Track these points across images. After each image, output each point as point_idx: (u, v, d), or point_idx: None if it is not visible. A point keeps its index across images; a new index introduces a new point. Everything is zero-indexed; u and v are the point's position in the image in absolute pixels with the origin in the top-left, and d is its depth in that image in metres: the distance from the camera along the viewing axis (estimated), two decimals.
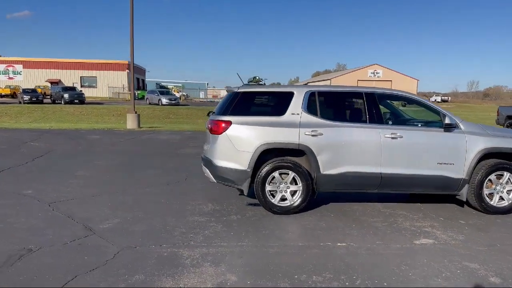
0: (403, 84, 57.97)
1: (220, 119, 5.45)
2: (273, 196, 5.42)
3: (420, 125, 5.73)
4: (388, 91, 5.90)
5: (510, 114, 18.73)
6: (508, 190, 5.60)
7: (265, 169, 5.33)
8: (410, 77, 66.59)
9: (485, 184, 5.53)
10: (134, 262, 3.79)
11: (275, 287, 3.38)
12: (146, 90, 50.57)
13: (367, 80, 62.40)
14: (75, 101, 35.65)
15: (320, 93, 5.58)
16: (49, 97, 40.70)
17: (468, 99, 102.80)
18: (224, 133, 5.38)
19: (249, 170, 5.32)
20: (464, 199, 5.61)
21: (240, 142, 5.34)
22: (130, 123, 18.65)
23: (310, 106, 5.49)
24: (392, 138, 5.39)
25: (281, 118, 5.41)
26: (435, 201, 6.19)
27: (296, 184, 5.40)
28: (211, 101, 54.26)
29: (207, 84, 79.72)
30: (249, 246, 4.26)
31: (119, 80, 57.72)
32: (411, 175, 5.44)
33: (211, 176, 5.61)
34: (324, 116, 5.46)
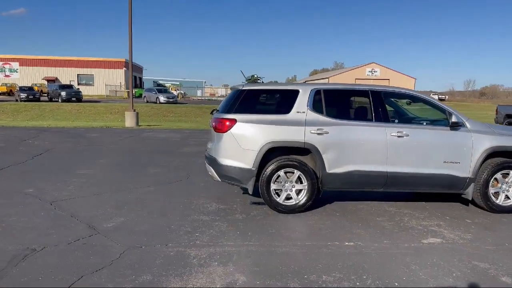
0: (400, 83, 58.00)
1: (224, 117, 5.39)
2: (278, 195, 5.37)
3: (425, 124, 5.70)
4: (394, 89, 5.86)
5: (509, 113, 18.76)
6: None
7: (270, 167, 5.28)
8: (408, 76, 66.68)
9: (490, 182, 5.51)
10: (141, 262, 3.73)
11: (285, 287, 3.34)
12: (144, 88, 50.35)
13: (364, 79, 62.38)
14: (72, 99, 35.49)
15: (326, 91, 5.53)
16: (46, 95, 40.47)
17: (465, 98, 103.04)
18: (229, 131, 5.32)
19: (254, 168, 5.27)
20: (470, 198, 5.58)
21: (245, 140, 5.28)
22: (129, 121, 18.54)
23: (316, 104, 5.44)
24: (398, 136, 5.35)
25: (286, 116, 5.36)
26: (439, 200, 6.16)
27: (302, 183, 5.35)
28: (209, 100, 54.09)
29: (205, 82, 79.47)
30: (256, 246, 4.20)
31: (116, 78, 57.47)
32: (417, 174, 5.40)
33: (216, 175, 5.55)
34: (329, 114, 5.41)
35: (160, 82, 66.89)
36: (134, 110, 19.11)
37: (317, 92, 5.48)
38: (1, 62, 57.06)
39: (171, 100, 37.99)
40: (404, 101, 7.34)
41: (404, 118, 6.01)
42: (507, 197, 5.60)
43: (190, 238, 4.40)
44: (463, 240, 4.52)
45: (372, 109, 5.46)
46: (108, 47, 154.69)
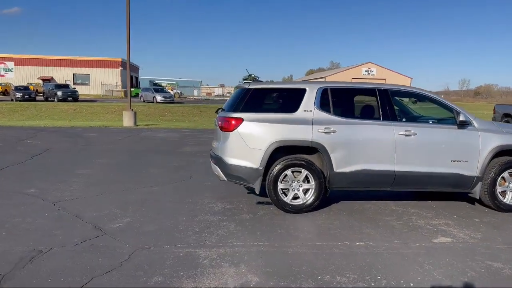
0: (396, 82, 58.10)
1: (231, 116, 5.33)
2: (285, 195, 5.32)
3: (431, 122, 5.67)
4: (402, 87, 5.82)
5: (506, 112, 18.80)
6: None
7: (277, 167, 5.23)
8: (404, 76, 66.84)
9: (498, 181, 5.48)
10: (151, 263, 3.66)
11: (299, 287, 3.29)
12: (140, 88, 50.11)
13: (361, 78, 62.43)
14: (69, 98, 35.22)
15: (333, 90, 5.48)
16: (41, 94, 40.19)
17: (459, 98, 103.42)
18: (235, 130, 5.26)
19: (261, 168, 5.21)
20: (477, 197, 5.55)
21: (252, 139, 5.22)
22: (127, 120, 18.41)
23: (323, 103, 5.39)
24: (406, 135, 5.31)
25: (293, 115, 5.31)
26: (445, 199, 6.13)
27: (309, 182, 5.30)
28: (205, 99, 53.98)
29: (201, 82, 79.29)
30: (266, 246, 4.15)
31: (113, 78, 57.16)
32: (424, 173, 5.37)
33: (222, 174, 5.49)
34: (337, 113, 5.36)
35: (157, 81, 66.66)
36: (132, 110, 18.99)
37: (324, 91, 5.43)
38: None
39: (168, 99, 37.85)
40: (407, 100, 7.32)
41: (410, 117, 5.98)
42: None
43: (199, 238, 4.34)
44: (474, 240, 4.49)
45: (380, 108, 5.42)
46: (104, 46, 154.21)
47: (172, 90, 53.76)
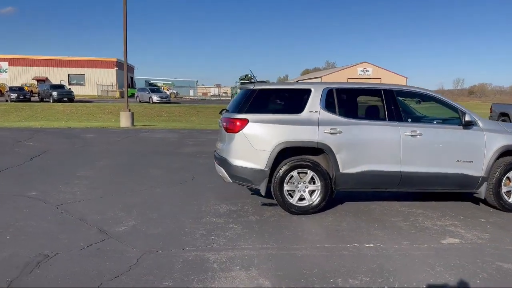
0: (392, 82, 58.29)
1: (236, 117, 5.28)
2: (291, 196, 5.29)
3: (435, 122, 5.66)
4: (406, 88, 5.81)
5: (503, 111, 18.89)
6: None
7: (283, 168, 5.19)
8: (399, 75, 67.02)
9: (503, 182, 5.48)
10: (160, 268, 3.61)
11: None
12: (136, 88, 49.89)
13: (356, 78, 62.53)
14: (64, 99, 35.05)
15: (338, 90, 5.45)
16: (36, 95, 39.92)
17: (454, 97, 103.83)
18: (240, 131, 5.22)
19: (266, 169, 5.17)
20: (483, 197, 5.55)
21: (257, 140, 5.18)
22: (124, 121, 18.30)
23: (328, 103, 5.36)
24: (412, 135, 5.29)
25: (299, 116, 5.27)
26: (449, 199, 6.12)
27: (315, 183, 5.27)
28: (202, 99, 53.86)
29: (197, 81, 79.09)
30: (275, 249, 4.11)
31: (108, 78, 56.89)
32: (430, 173, 5.35)
33: (227, 175, 5.44)
34: (342, 113, 5.34)
35: (152, 81, 66.35)
36: (129, 110, 18.88)
37: (329, 91, 5.40)
38: None
39: (164, 99, 37.73)
40: (410, 100, 7.31)
41: (415, 117, 5.96)
42: None
43: (206, 241, 4.29)
44: (482, 240, 4.48)
45: (385, 108, 5.40)
46: (98, 46, 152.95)
47: (167, 90, 53.58)
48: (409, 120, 5.53)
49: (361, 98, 5.72)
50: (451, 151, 5.38)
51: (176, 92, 57.69)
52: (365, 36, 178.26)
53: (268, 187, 5.28)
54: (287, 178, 5.23)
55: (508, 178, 5.52)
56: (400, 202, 5.98)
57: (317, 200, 5.25)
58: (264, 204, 5.72)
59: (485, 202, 5.75)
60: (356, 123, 5.28)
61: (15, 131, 15.54)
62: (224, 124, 5.45)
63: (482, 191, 5.50)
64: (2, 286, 3.21)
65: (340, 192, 5.95)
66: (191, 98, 55.97)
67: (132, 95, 44.77)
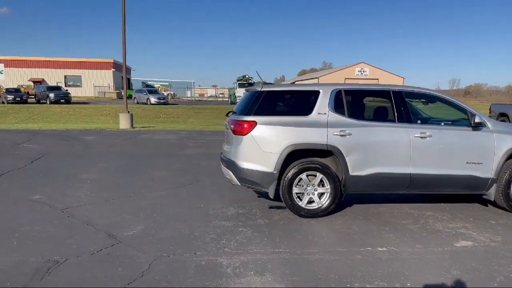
0: (389, 82, 58.38)
1: (244, 119, 5.22)
2: (300, 199, 5.23)
3: (443, 124, 5.62)
4: (416, 89, 5.77)
5: (502, 111, 18.94)
6: None
7: (292, 171, 5.14)
8: (396, 75, 67.09)
9: None
10: (173, 273, 3.54)
11: None
12: (133, 89, 49.68)
13: (354, 78, 62.58)
14: (61, 100, 34.86)
15: (347, 92, 5.41)
16: (32, 96, 39.66)
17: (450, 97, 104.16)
18: (249, 134, 5.16)
19: (275, 172, 5.12)
20: (492, 199, 5.52)
21: (265, 143, 5.13)
22: (123, 123, 18.21)
23: (337, 105, 5.31)
24: (422, 137, 5.25)
25: (307, 118, 5.22)
26: (457, 201, 6.09)
27: (324, 186, 5.22)
28: (199, 100, 53.73)
29: (193, 83, 78.94)
30: (288, 253, 4.05)
31: (105, 79, 56.64)
32: (440, 175, 5.32)
33: (235, 178, 5.37)
34: (351, 115, 5.29)
35: (149, 82, 66.10)
36: (128, 112, 18.79)
37: (338, 93, 5.36)
38: None
39: (162, 101, 37.58)
40: (417, 101, 7.28)
41: (423, 119, 5.92)
42: None
43: (217, 245, 4.23)
44: (495, 243, 4.44)
45: (395, 110, 5.36)
46: (95, 47, 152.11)
47: (165, 91, 53.41)
48: (418, 121, 5.49)
49: (369, 100, 5.68)
50: (461, 153, 5.35)
51: (174, 93, 57.55)
52: (362, 36, 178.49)
53: (277, 190, 5.23)
54: (296, 180, 5.17)
55: None
56: (409, 204, 5.94)
57: (327, 203, 5.21)
58: (271, 207, 5.67)
59: (493, 203, 5.73)
60: (366, 125, 5.23)
61: (13, 133, 15.42)
62: (232, 126, 5.39)
63: (492, 193, 5.47)
64: None
65: (347, 194, 5.91)
66: (188, 99, 55.82)
67: (130, 97, 44.59)
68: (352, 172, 5.17)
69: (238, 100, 37.48)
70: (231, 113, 5.89)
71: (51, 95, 34.78)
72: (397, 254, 4.06)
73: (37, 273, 3.49)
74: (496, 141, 5.37)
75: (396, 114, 5.35)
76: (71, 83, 55.68)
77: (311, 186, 5.21)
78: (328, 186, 5.19)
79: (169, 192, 6.49)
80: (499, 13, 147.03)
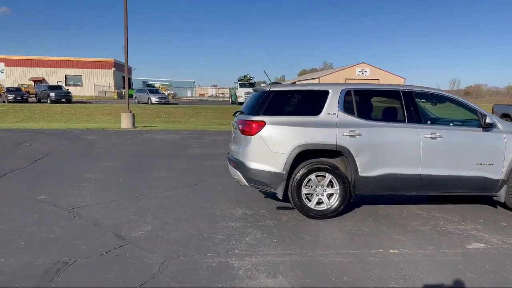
0: (390, 82, 58.27)
1: (253, 119, 5.17)
2: (309, 200, 5.18)
3: (452, 124, 5.57)
4: (425, 89, 5.72)
5: (505, 112, 18.90)
6: None
7: (301, 171, 5.09)
8: (397, 76, 67.08)
9: None
10: (184, 275, 3.49)
11: None
12: (133, 89, 49.60)
13: (355, 79, 62.53)
14: (62, 100, 34.82)
15: (356, 92, 5.36)
16: (33, 96, 39.61)
17: None
18: (257, 134, 5.11)
19: (284, 172, 5.07)
20: (502, 200, 5.46)
21: (274, 143, 5.08)
22: (125, 122, 18.14)
23: (347, 105, 5.26)
24: (432, 138, 5.20)
25: (317, 118, 5.17)
26: (465, 202, 6.04)
27: (333, 187, 5.17)
28: (200, 100, 53.66)
29: (194, 82, 78.87)
30: (299, 255, 4.00)
31: (105, 79, 56.57)
32: (450, 176, 5.27)
33: (243, 179, 5.32)
34: (361, 115, 5.24)
35: (150, 82, 66.06)
36: (130, 111, 18.72)
37: (347, 93, 5.30)
38: None
39: (163, 100, 37.55)
40: (423, 101, 7.22)
41: (432, 119, 5.86)
42: None
43: (227, 247, 4.18)
44: (508, 245, 4.39)
45: (404, 110, 5.31)
46: (96, 47, 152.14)
47: (166, 91, 53.33)
48: (428, 122, 5.44)
49: (379, 100, 5.63)
50: (471, 154, 5.29)
51: (174, 93, 57.48)
52: (362, 37, 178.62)
53: (285, 191, 5.18)
54: (305, 181, 5.12)
55: None
56: (417, 205, 5.89)
57: (336, 204, 5.15)
58: (279, 208, 5.61)
59: (503, 205, 5.68)
60: (376, 125, 5.18)
61: (14, 132, 15.36)
62: (240, 126, 5.33)
63: (502, 194, 5.41)
64: None
65: (355, 195, 5.87)
66: (188, 99, 55.77)
67: (131, 96, 44.53)
68: (361, 173, 5.12)
69: (239, 100, 37.69)
70: (239, 113, 5.83)
71: (52, 94, 34.74)
72: (410, 256, 4.01)
73: (46, 275, 3.44)
74: (506, 142, 5.32)
75: (406, 114, 5.30)
76: (71, 82, 55.66)
77: (320, 187, 5.16)
78: (338, 187, 5.13)
79: (175, 193, 6.43)
80: (499, 13, 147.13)
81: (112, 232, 4.54)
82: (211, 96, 63.64)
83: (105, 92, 51.22)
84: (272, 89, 5.35)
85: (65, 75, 56.20)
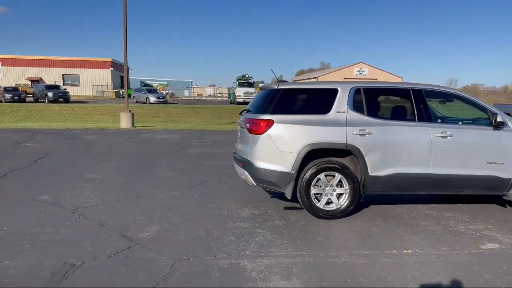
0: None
1: (261, 118, 5.08)
2: (318, 200, 5.09)
3: (461, 123, 5.50)
4: (435, 87, 5.64)
5: (506, 111, 18.85)
6: None
7: (310, 171, 5.00)
8: (395, 75, 67.11)
9: None
10: (196, 277, 3.40)
11: None
12: (132, 88, 49.39)
13: (353, 78, 62.55)
14: (60, 99, 34.61)
15: (366, 90, 5.27)
16: (30, 95, 39.38)
17: None
18: (265, 133, 5.02)
19: (293, 172, 4.98)
20: None
21: (283, 142, 4.99)
22: (124, 122, 18.00)
23: (356, 103, 5.18)
24: (442, 137, 5.13)
25: (326, 117, 5.08)
26: (475, 202, 5.98)
27: (342, 186, 5.08)
28: (198, 99, 53.52)
29: (192, 82, 78.67)
30: (312, 256, 3.91)
31: (103, 78, 56.32)
32: (460, 176, 5.20)
33: (251, 178, 5.22)
34: (371, 114, 5.16)
35: (148, 82, 65.85)
36: (129, 111, 18.59)
37: (357, 91, 5.22)
38: None
39: (161, 100, 37.41)
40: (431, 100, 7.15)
41: (442, 118, 5.80)
42: None
43: (238, 248, 4.09)
44: None
45: (415, 108, 5.23)
46: (93, 46, 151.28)
47: (164, 90, 53.16)
48: (438, 120, 5.36)
49: (388, 98, 5.55)
50: (482, 153, 5.23)
51: (172, 93, 57.30)
52: (360, 36, 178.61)
53: (294, 191, 5.09)
54: (314, 181, 5.04)
55: None
56: (426, 205, 5.82)
57: (345, 204, 5.07)
58: (286, 208, 5.53)
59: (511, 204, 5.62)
60: (386, 124, 5.10)
61: (13, 132, 15.19)
62: (248, 125, 5.24)
63: None
64: None
65: (365, 195, 5.79)
66: (186, 99, 55.61)
67: (129, 96, 44.32)
68: (371, 172, 5.04)
69: (238, 100, 37.55)
70: (245, 111, 5.74)
71: (50, 94, 34.53)
72: (425, 257, 3.93)
73: (53, 277, 3.34)
74: None
75: (416, 112, 5.23)
76: (69, 82, 55.34)
77: (329, 187, 5.08)
78: (347, 187, 5.05)
79: (180, 193, 6.33)
80: (497, 13, 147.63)
81: (118, 233, 4.44)
82: (209, 96, 63.50)
83: (103, 91, 51.01)
84: (280, 87, 5.26)
85: (63, 75, 55.90)
